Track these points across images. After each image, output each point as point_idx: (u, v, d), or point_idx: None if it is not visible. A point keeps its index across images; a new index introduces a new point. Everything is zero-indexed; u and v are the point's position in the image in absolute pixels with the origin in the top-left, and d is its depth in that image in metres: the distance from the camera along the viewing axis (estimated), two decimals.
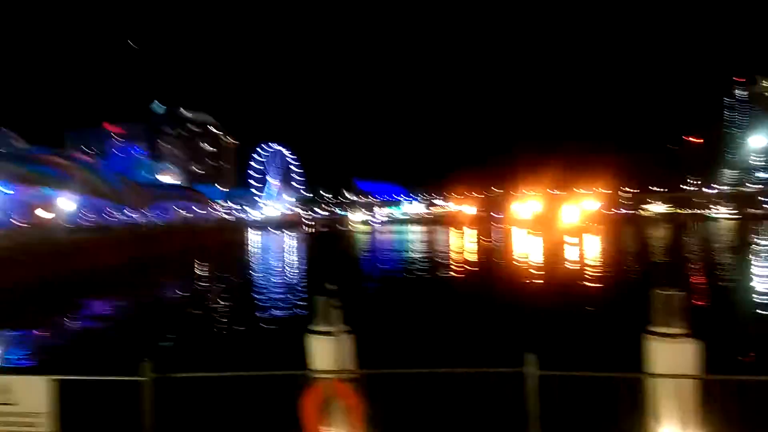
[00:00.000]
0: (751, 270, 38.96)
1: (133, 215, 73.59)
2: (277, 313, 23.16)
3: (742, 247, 59.21)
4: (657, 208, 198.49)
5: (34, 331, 21.07)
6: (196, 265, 47.53)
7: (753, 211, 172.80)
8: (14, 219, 45.67)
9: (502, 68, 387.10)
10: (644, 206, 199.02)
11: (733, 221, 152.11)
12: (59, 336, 20.73)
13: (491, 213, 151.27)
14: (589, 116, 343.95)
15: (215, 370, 5.29)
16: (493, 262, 48.06)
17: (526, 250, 62.20)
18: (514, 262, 47.75)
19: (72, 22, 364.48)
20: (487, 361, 5.60)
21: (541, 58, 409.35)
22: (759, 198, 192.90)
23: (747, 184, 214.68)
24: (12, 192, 45.47)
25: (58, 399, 4.92)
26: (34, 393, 5.01)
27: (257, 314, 23.14)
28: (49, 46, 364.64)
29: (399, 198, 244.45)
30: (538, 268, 41.91)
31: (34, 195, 49.52)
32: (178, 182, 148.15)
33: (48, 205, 54.27)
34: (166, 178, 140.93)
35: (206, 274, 43.74)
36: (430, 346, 14.74)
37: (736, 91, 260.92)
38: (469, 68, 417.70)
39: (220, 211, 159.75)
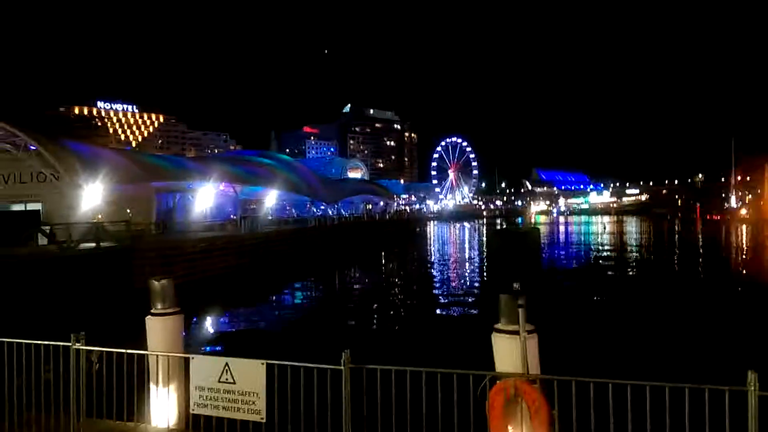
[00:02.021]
0: None
1: (326, 209, 79.86)
2: (459, 309, 23.38)
3: None
4: None
5: (250, 311, 24.00)
6: (380, 258, 50.13)
7: None
8: (231, 214, 52.49)
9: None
10: None
11: None
12: (270, 316, 23.41)
13: (690, 203, 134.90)
14: None
15: (405, 363, 5.52)
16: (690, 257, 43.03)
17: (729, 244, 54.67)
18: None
19: (270, 36, 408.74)
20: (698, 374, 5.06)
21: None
22: None
23: None
24: (231, 191, 52.21)
25: (272, 380, 5.57)
26: (251, 374, 5.71)
27: (447, 310, 23.64)
28: (257, 59, 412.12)
29: (584, 187, 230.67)
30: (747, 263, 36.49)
31: (244, 192, 56.33)
32: (365, 177, 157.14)
33: (257, 202, 61.40)
34: (354, 174, 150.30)
35: (389, 266, 45.86)
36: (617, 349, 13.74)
37: None
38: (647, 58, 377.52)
39: (401, 204, 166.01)
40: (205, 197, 48.14)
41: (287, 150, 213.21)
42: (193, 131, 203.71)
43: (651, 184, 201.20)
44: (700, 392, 4.46)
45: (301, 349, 10.12)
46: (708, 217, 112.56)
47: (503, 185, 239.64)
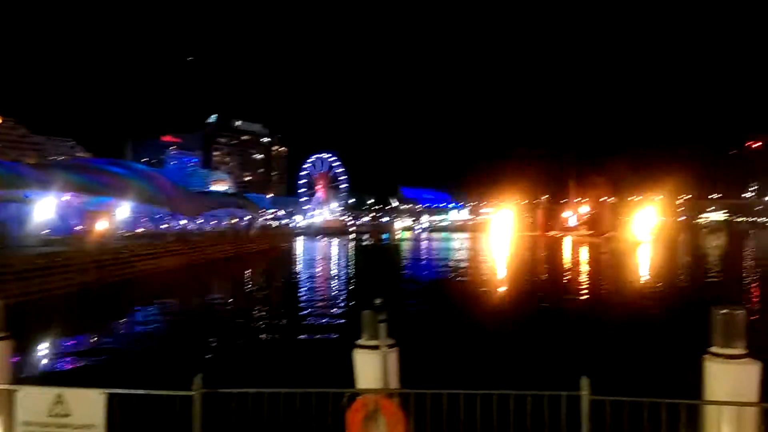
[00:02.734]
0: None
1: (186, 223, 75.90)
2: (325, 327, 23.19)
3: None
4: (714, 216, 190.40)
5: (88, 337, 21.86)
6: (244, 273, 48.58)
7: None
8: (75, 227, 47.86)
9: (555, 76, 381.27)
10: (702, 214, 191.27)
11: None
12: (112, 342, 21.48)
13: (541, 221, 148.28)
14: (648, 120, 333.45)
15: (262, 385, 5.33)
16: (542, 272, 47.07)
17: (570, 259, 60.75)
18: (562, 272, 46.66)
19: (133, 38, 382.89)
20: (535, 381, 5.47)
21: (599, 63, 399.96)
22: None
23: None
24: (69, 199, 47.65)
25: (111, 411, 5.06)
26: (89, 405, 5.16)
27: (304, 326, 23.33)
28: (113, 61, 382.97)
29: (445, 205, 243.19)
30: (590, 278, 40.81)
31: (91, 203, 51.75)
32: (230, 190, 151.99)
33: (105, 213, 56.63)
34: (218, 187, 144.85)
35: (251, 281, 44.60)
36: (472, 361, 14.51)
37: None
38: (522, 78, 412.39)
39: (267, 219, 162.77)
40: (46, 208, 43.49)
41: (144, 160, 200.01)
42: (35, 135, 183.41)
43: (504, 203, 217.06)
44: (540, 399, 4.83)
45: (150, 376, 9.40)
46: (552, 234, 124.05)
47: (371, 202, 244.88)
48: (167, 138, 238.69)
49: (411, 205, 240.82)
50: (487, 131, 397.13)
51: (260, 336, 21.91)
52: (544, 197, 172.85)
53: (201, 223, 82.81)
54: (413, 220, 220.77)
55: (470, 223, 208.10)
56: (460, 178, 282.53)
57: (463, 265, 55.46)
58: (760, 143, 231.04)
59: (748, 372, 5.55)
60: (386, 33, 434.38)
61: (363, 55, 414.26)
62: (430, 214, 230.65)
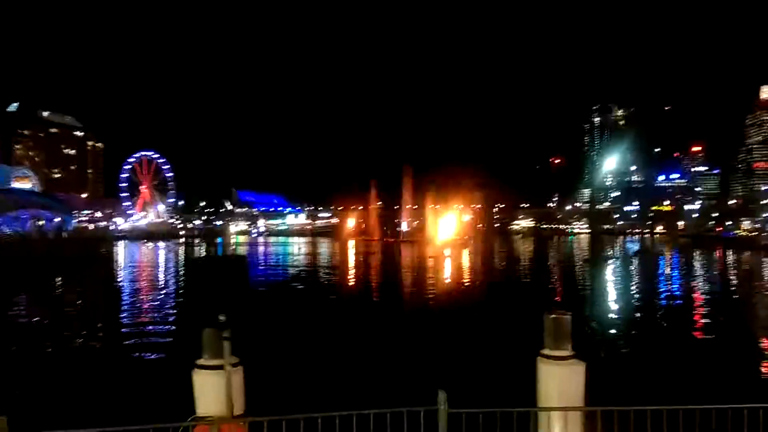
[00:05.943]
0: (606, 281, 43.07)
1: None
2: (153, 347, 20.96)
3: (597, 260, 65.34)
4: (524, 223, 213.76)
5: None
6: (52, 283, 42.98)
7: (606, 226, 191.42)
8: None
9: (388, 87, 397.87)
10: (515, 222, 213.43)
11: (590, 235, 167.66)
12: None
13: (371, 226, 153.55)
14: (468, 139, 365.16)
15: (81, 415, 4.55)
16: (375, 275, 48.57)
17: (399, 262, 63.67)
18: (391, 275, 48.56)
19: None
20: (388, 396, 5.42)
21: (424, 83, 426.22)
22: (613, 215, 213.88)
23: (604, 202, 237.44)
24: None
25: None
26: None
27: (128, 345, 21.06)
28: None
29: (283, 209, 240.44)
30: (414, 280, 42.90)
31: None
32: (36, 188, 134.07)
33: None
34: (22, 184, 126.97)
35: (62, 292, 39.67)
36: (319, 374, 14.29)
37: (595, 118, 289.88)
38: (359, 86, 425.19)
39: (82, 221, 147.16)
40: None
41: None
42: None
43: (341, 209, 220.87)
44: (399, 414, 4.75)
45: None
46: (384, 240, 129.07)
47: (203, 204, 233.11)
48: None
49: (246, 208, 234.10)
50: (327, 137, 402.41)
51: (75, 357, 19.27)
52: (378, 204, 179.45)
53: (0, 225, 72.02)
54: (249, 224, 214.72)
55: (308, 228, 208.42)
56: (298, 183, 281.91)
57: (304, 271, 55.05)
58: (560, 160, 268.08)
59: (575, 372, 6.09)
60: (212, 27, 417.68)
61: (184, 49, 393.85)
62: (267, 219, 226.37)
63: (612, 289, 38.37)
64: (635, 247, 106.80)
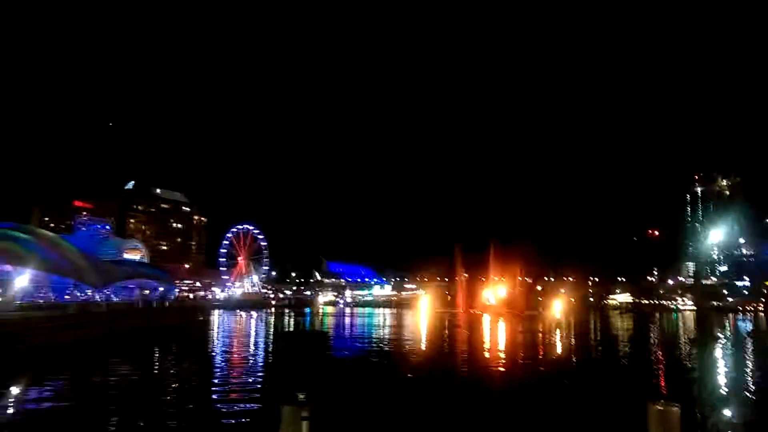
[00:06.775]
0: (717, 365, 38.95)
1: (94, 293, 70.81)
2: (239, 418, 21.39)
3: (706, 340, 59.60)
4: (621, 297, 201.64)
5: None
6: (153, 351, 45.25)
7: (715, 303, 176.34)
8: None
9: (480, 157, 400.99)
10: (610, 296, 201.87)
11: (696, 312, 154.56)
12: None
13: (460, 298, 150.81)
14: (561, 210, 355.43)
15: None
16: (462, 349, 46.98)
17: (490, 335, 61.35)
18: (481, 350, 46.78)
19: (48, 100, 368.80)
20: None
21: (516, 152, 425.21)
22: (722, 291, 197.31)
23: (711, 277, 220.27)
24: None
25: None
26: None
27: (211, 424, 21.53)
28: (25, 122, 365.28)
29: (369, 280, 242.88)
30: (504, 355, 41.03)
31: None
32: (144, 260, 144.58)
33: (4, 282, 52.07)
34: (132, 255, 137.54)
35: (158, 362, 41.54)
36: None
37: (697, 188, 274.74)
38: (449, 158, 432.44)
39: (183, 291, 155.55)
40: None
41: (52, 225, 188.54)
42: None
43: (426, 280, 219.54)
44: None
45: None
46: (471, 311, 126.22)
47: (294, 275, 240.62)
48: (78, 203, 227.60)
49: (334, 279, 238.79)
50: (414, 208, 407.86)
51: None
52: (464, 276, 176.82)
53: (109, 294, 77.65)
54: (336, 295, 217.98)
55: (393, 299, 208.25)
56: (385, 255, 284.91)
57: (388, 345, 54.45)
58: (659, 232, 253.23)
59: None
60: (308, 108, 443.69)
61: (285, 128, 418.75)
62: (353, 289, 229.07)
63: (724, 375, 34.59)
64: (748, 326, 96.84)
